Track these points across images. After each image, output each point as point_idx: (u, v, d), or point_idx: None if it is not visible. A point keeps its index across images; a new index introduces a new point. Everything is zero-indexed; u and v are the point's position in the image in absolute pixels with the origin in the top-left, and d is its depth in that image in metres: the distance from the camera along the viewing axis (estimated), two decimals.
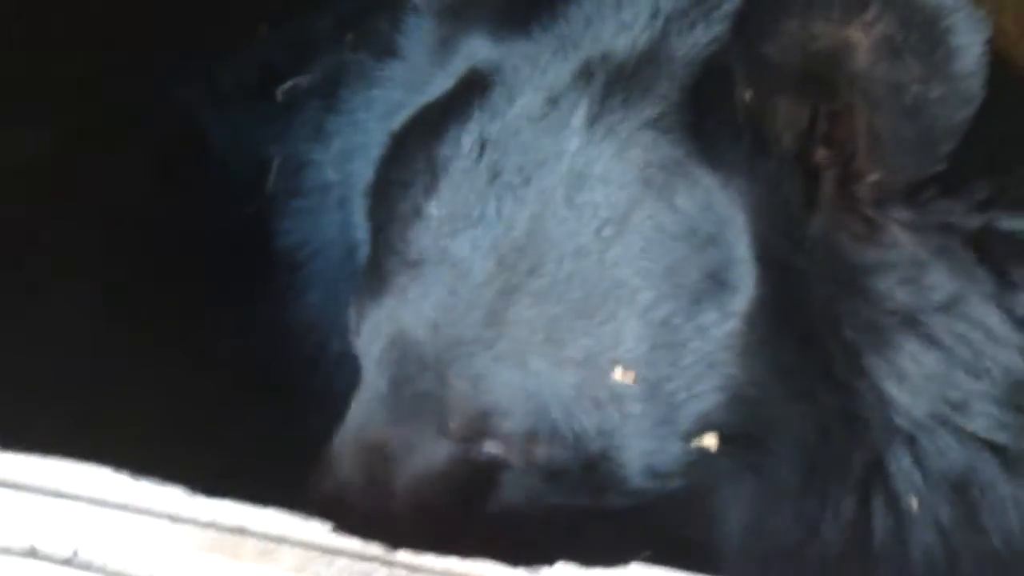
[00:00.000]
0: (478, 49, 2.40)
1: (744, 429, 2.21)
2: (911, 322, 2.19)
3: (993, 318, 2.21)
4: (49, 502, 2.05)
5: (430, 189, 2.30)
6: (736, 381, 2.19)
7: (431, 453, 2.29)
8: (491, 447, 2.28)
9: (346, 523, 2.04)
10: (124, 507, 2.05)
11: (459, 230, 2.25)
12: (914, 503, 2.27)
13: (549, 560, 1.97)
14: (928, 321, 2.20)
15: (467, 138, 2.30)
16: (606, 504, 2.31)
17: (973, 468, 2.26)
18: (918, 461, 2.24)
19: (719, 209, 2.17)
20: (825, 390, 2.20)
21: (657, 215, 2.18)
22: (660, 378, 2.18)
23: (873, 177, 2.14)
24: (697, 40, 2.27)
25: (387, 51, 2.71)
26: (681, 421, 2.21)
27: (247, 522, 2.03)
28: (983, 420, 2.23)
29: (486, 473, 2.31)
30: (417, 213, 2.30)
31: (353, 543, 2.02)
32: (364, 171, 2.60)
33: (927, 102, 2.03)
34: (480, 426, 2.26)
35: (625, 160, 2.21)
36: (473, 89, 2.35)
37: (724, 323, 2.17)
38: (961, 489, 2.27)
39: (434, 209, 2.29)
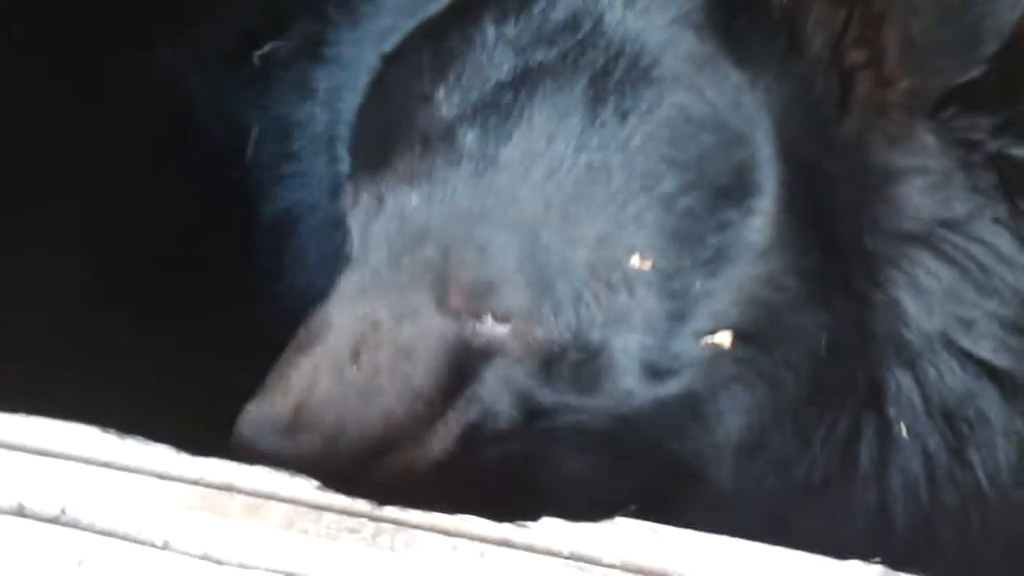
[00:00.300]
0: None
1: (758, 330, 2.23)
2: (930, 236, 2.23)
3: (1005, 240, 2.25)
4: (36, 460, 2.06)
5: (437, 78, 2.30)
6: (754, 281, 2.21)
7: (425, 327, 2.27)
8: (489, 327, 2.27)
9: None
10: (111, 465, 2.06)
11: (470, 115, 2.25)
12: (904, 430, 2.31)
13: (534, 515, 1.98)
14: (945, 237, 2.24)
15: (480, 34, 2.31)
16: (592, 408, 2.31)
17: (971, 396, 2.30)
18: (918, 384, 2.28)
19: (748, 106, 2.19)
20: (842, 298, 2.23)
21: (686, 106, 2.19)
22: (677, 269, 2.19)
23: (904, 84, 2.18)
24: None
25: None
26: (695, 317, 2.22)
27: (234, 479, 2.04)
28: (988, 342, 2.28)
29: (475, 360, 2.29)
30: (424, 98, 2.31)
31: (340, 499, 2.03)
32: (351, 103, 2.62)
33: (975, 1, 2.06)
34: (481, 300, 2.25)
35: (654, 52, 2.22)
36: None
37: (746, 221, 2.19)
38: (954, 419, 2.31)
39: (442, 94, 2.29)
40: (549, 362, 2.26)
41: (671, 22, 2.24)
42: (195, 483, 2.04)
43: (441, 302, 2.25)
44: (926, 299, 2.25)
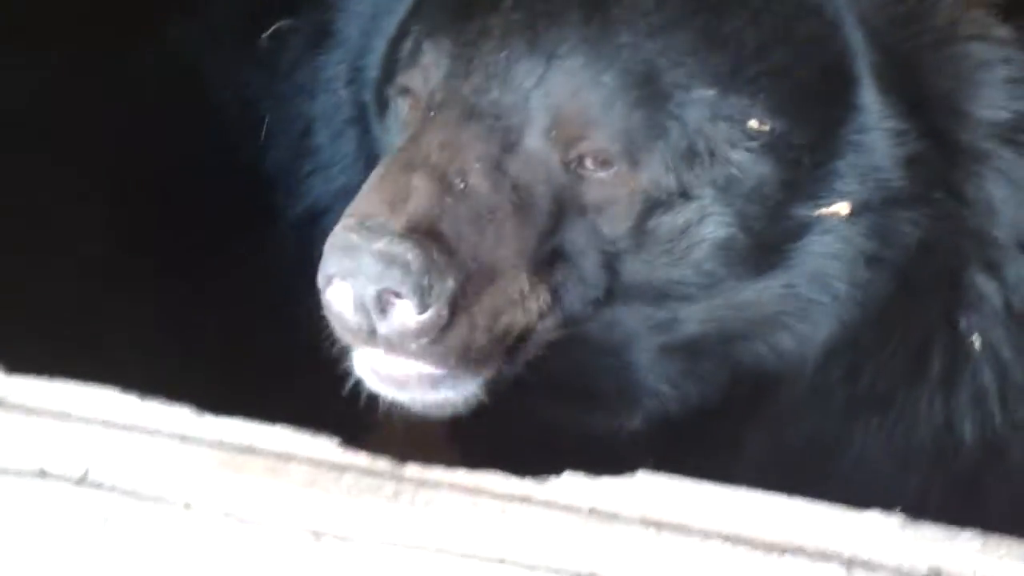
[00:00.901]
0: None
1: (871, 205, 2.34)
2: (1018, 129, 2.34)
3: None
4: (58, 424, 2.08)
5: None
6: (864, 160, 2.32)
7: (530, 157, 2.28)
8: (591, 169, 2.30)
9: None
10: (133, 427, 2.08)
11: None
12: (977, 342, 2.39)
13: (556, 470, 1.99)
14: None
15: None
16: (678, 291, 2.37)
17: None
18: (1000, 287, 2.38)
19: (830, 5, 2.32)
20: (940, 191, 2.34)
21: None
22: (792, 139, 2.30)
23: None
24: None
25: None
26: (810, 184, 2.32)
27: (255, 440, 2.06)
28: None
29: (575, 204, 2.30)
30: None
31: (361, 459, 2.04)
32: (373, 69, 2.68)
33: None
34: (589, 135, 2.28)
35: None
36: None
37: (852, 104, 2.32)
38: None
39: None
40: (647, 216, 2.30)
41: None
42: (216, 444, 2.06)
43: (547, 133, 2.28)
44: (1015, 197, 2.34)
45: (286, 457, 2.04)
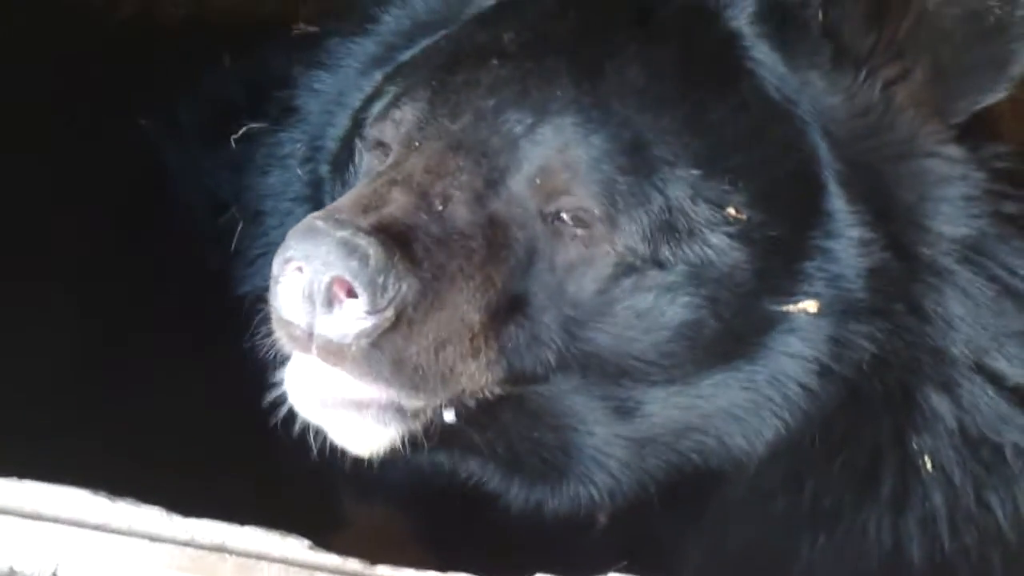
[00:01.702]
0: None
1: (832, 312, 2.37)
2: (979, 247, 2.40)
3: None
4: (28, 524, 2.08)
5: (507, 27, 2.46)
6: (831, 266, 2.38)
7: (511, 196, 2.31)
8: (569, 225, 2.32)
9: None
10: (103, 527, 2.08)
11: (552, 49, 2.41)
12: (928, 463, 2.41)
13: (528, 571, 2.00)
14: (985, 251, 2.40)
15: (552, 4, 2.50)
16: (632, 365, 2.38)
17: (1001, 422, 2.41)
18: (953, 406, 2.40)
19: (803, 107, 2.42)
20: (902, 301, 2.38)
21: (764, 92, 2.43)
22: (766, 231, 2.35)
23: (932, 103, 2.39)
24: None
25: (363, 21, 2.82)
26: (781, 280, 2.37)
27: (226, 540, 2.07)
28: (1020, 365, 2.41)
29: (544, 252, 2.32)
30: (494, 41, 2.45)
31: (332, 559, 2.06)
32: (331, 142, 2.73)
33: (1009, 22, 2.28)
34: (571, 190, 2.31)
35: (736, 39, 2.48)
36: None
37: (819, 208, 2.38)
38: (982, 448, 2.42)
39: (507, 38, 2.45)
40: (616, 282, 2.32)
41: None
42: (186, 544, 2.07)
43: (531, 181, 2.31)
44: (973, 316, 2.39)
45: (257, 557, 2.05)
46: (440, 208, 2.25)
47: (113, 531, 2.08)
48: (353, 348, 2.17)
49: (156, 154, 3.20)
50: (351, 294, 2.14)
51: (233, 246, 2.93)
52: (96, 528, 2.08)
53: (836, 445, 2.43)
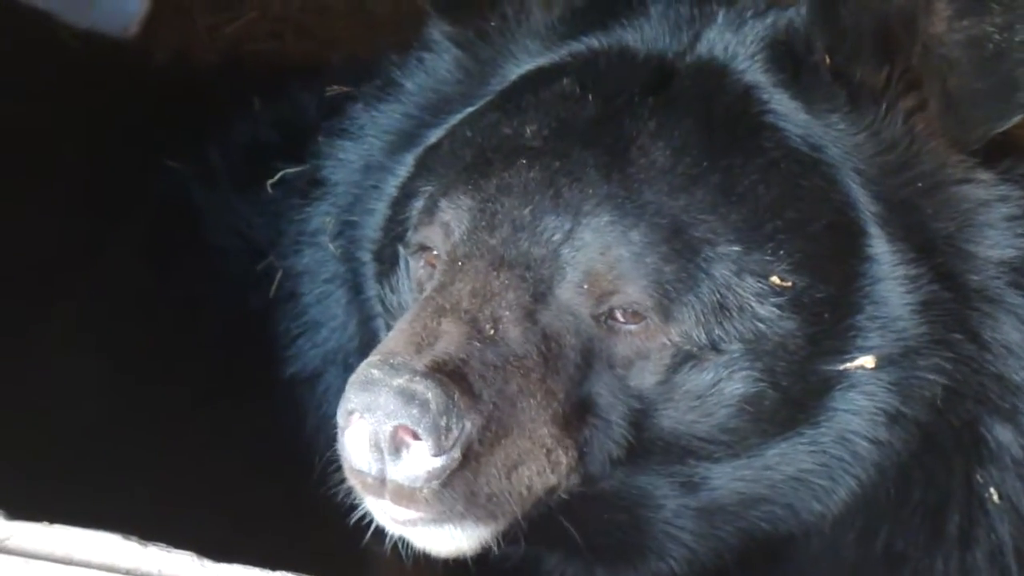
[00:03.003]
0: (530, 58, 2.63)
1: (892, 359, 2.37)
2: (1019, 273, 2.40)
3: None
4: (59, 568, 2.09)
5: (527, 122, 2.47)
6: (882, 311, 2.37)
7: (560, 308, 2.31)
8: (620, 323, 2.32)
9: None
10: (133, 572, 2.09)
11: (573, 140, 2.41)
12: (995, 495, 2.42)
13: None
14: None
15: (570, 84, 2.50)
16: (699, 446, 2.39)
17: None
18: (1017, 435, 2.40)
19: (830, 152, 2.42)
20: (958, 331, 2.38)
21: (791, 148, 2.42)
22: (813, 294, 2.34)
23: (948, 134, 2.39)
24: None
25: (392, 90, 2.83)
26: (833, 339, 2.36)
27: None
28: None
29: (601, 356, 2.33)
30: (519, 136, 2.45)
31: None
32: (372, 228, 2.72)
33: (1009, 47, 2.27)
34: (620, 290, 2.31)
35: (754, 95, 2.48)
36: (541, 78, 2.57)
37: (863, 254, 2.38)
38: None
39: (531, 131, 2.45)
40: (676, 370, 2.33)
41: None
42: None
43: (578, 287, 2.31)
44: None
45: None
46: (492, 332, 2.27)
47: None
48: (425, 491, 2.21)
49: (188, 198, 3.22)
50: (416, 437, 2.17)
51: (272, 292, 2.95)
52: (126, 573, 2.09)
53: (907, 492, 2.44)
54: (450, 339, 2.23)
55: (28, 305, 2.93)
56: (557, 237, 2.33)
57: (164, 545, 2.11)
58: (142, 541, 2.11)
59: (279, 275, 2.95)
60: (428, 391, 2.14)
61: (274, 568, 2.09)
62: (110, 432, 2.80)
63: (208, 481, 2.73)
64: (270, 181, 3.03)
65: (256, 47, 4.72)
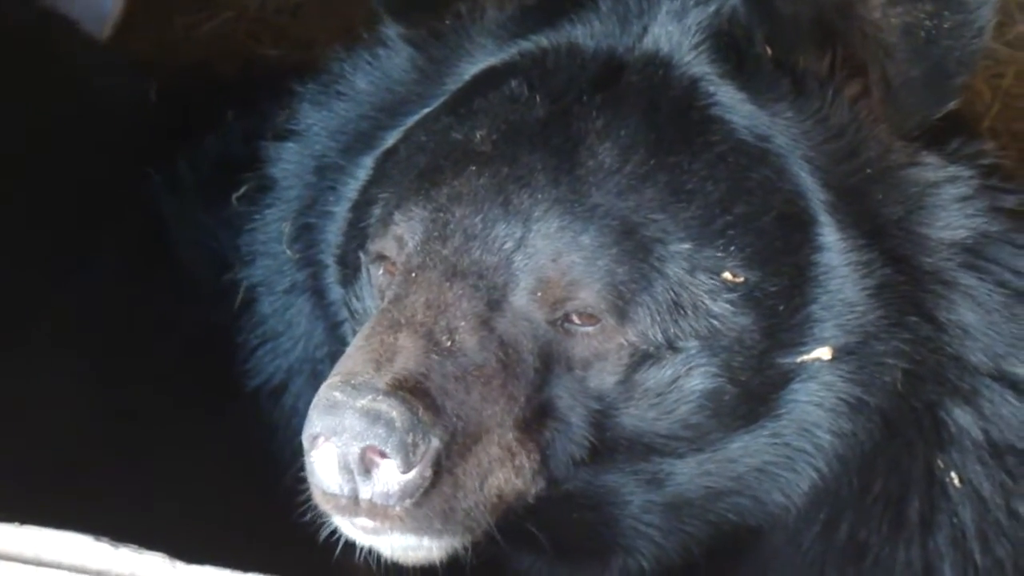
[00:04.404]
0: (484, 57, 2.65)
1: (850, 347, 2.40)
2: (978, 250, 2.44)
3: None
4: (29, 570, 2.11)
5: (476, 126, 2.49)
6: (836, 298, 2.40)
7: (516, 315, 2.33)
8: (577, 326, 2.35)
9: None
10: (104, 574, 2.11)
11: (525, 141, 2.43)
12: (956, 479, 2.46)
13: None
14: (988, 255, 2.44)
15: (518, 85, 2.52)
16: (662, 443, 2.41)
17: None
18: (977, 418, 2.44)
19: (777, 141, 2.44)
20: (914, 313, 2.41)
21: (738, 140, 2.44)
22: (767, 287, 2.38)
23: (889, 119, 2.42)
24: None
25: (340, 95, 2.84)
26: (789, 332, 2.39)
27: None
28: None
29: (560, 359, 2.35)
30: (469, 142, 2.47)
31: None
32: (334, 232, 2.73)
33: (939, 34, 2.31)
34: (575, 294, 2.34)
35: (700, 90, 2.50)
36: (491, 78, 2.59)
37: (815, 243, 2.41)
38: (1008, 457, 2.46)
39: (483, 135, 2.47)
40: (635, 369, 2.36)
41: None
42: None
43: (532, 294, 2.34)
44: (986, 322, 2.43)
45: None
46: (448, 344, 2.30)
47: None
48: (398, 509, 2.25)
49: (160, 211, 3.23)
50: (384, 455, 2.20)
51: (236, 305, 2.96)
52: (98, 574, 2.09)
53: (869, 481, 2.47)
54: (408, 354, 2.26)
55: (3, 314, 2.93)
56: (509, 245, 2.36)
57: (135, 547, 2.12)
58: (113, 542, 2.14)
59: (242, 288, 2.96)
60: (392, 410, 2.18)
61: (246, 570, 2.09)
62: (81, 439, 2.82)
63: (178, 491, 2.73)
64: (235, 195, 3.03)
65: (233, 48, 4.73)
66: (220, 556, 2.15)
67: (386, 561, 2.40)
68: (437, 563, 2.40)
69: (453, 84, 2.67)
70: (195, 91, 3.54)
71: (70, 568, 2.10)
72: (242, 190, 3.01)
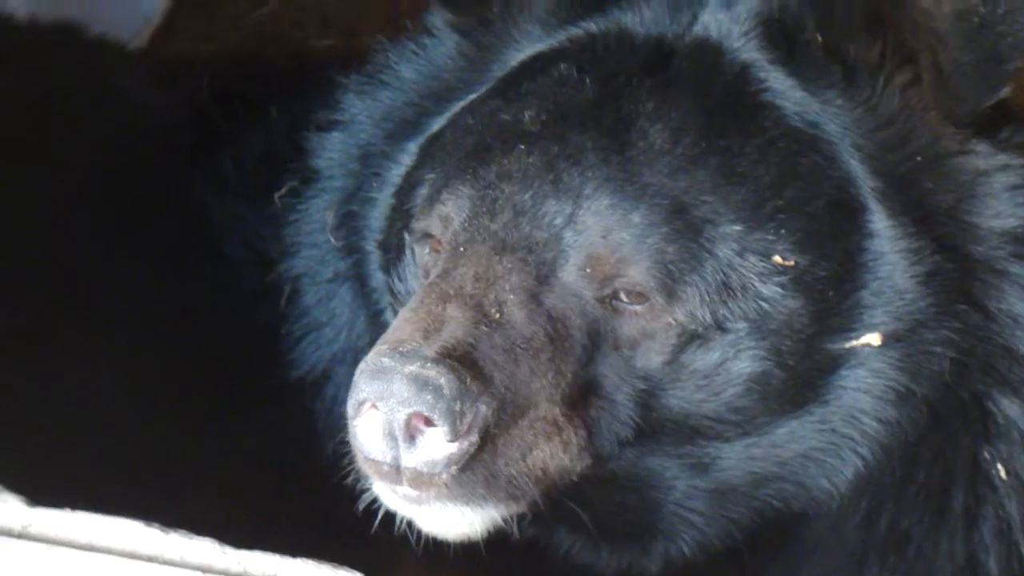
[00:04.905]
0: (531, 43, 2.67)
1: (899, 335, 2.40)
2: (1022, 242, 2.43)
3: None
4: (81, 555, 2.12)
5: (525, 107, 2.49)
6: (886, 285, 2.39)
7: (565, 290, 2.34)
8: (625, 304, 2.35)
9: None
10: (155, 559, 2.14)
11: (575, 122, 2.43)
12: (1002, 471, 2.45)
13: None
14: None
15: (567, 68, 2.53)
16: (708, 425, 2.41)
17: None
18: None
19: (827, 128, 2.45)
20: (963, 302, 2.40)
21: (789, 126, 2.44)
22: (817, 271, 2.38)
23: (941, 107, 2.42)
24: None
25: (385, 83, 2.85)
26: (839, 317, 2.39)
27: (278, 572, 2.11)
28: None
29: (607, 336, 2.35)
30: (518, 122, 2.48)
31: None
32: (378, 218, 2.74)
33: (993, 20, 2.29)
34: (625, 271, 2.34)
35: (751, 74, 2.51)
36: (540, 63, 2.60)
37: (865, 230, 2.41)
38: None
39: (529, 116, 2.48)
40: (682, 350, 2.37)
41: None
42: None
43: (581, 270, 2.35)
44: None
45: None
46: (497, 316, 2.30)
47: (166, 562, 2.14)
48: (444, 476, 2.25)
49: (204, 208, 3.26)
50: (430, 423, 2.20)
51: (282, 303, 2.98)
52: (148, 559, 2.14)
53: (912, 471, 2.47)
54: (457, 324, 2.26)
55: (48, 306, 2.98)
56: (559, 221, 2.37)
57: (185, 532, 2.14)
58: (164, 528, 2.16)
59: (287, 285, 2.97)
60: (441, 376, 2.18)
61: (295, 555, 2.11)
62: (128, 431, 2.85)
63: (220, 482, 2.76)
64: (278, 194, 3.04)
65: (278, 37, 4.75)
66: (263, 545, 2.16)
67: (428, 540, 2.41)
68: (479, 540, 2.39)
69: (499, 70, 2.69)
70: (240, 85, 3.56)
71: (121, 553, 2.13)
72: (284, 189, 3.02)
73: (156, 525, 2.15)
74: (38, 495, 2.20)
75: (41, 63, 3.44)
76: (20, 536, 2.15)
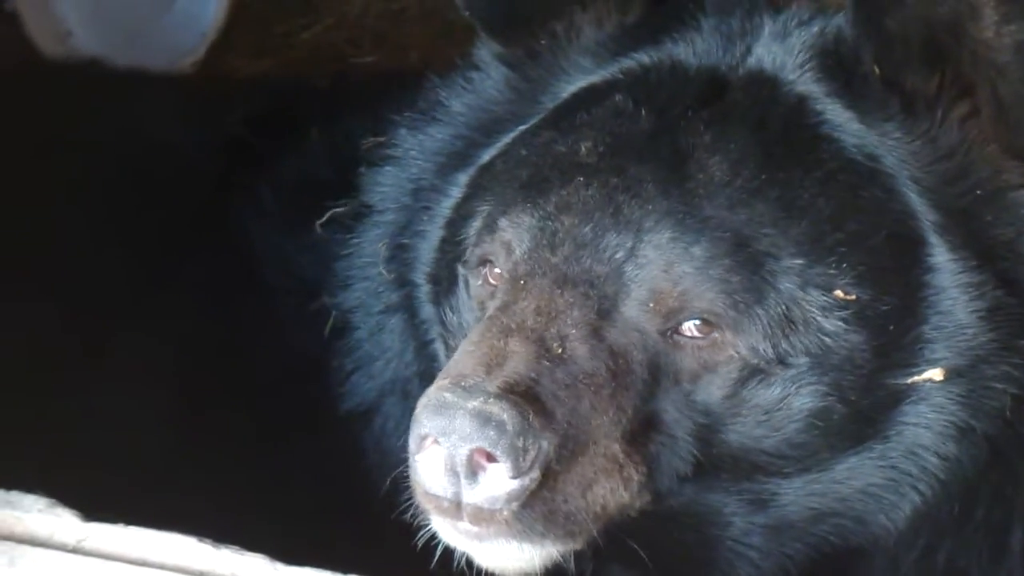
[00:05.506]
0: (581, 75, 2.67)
1: (960, 370, 2.38)
2: None
3: None
4: (134, 570, 2.15)
5: (581, 139, 2.49)
6: (947, 320, 2.38)
7: (626, 325, 2.33)
8: (688, 335, 2.34)
9: None
10: (207, 575, 2.15)
11: (634, 153, 2.43)
12: None
13: None
14: None
15: (623, 99, 2.52)
16: (767, 461, 2.39)
17: None
18: None
19: (886, 161, 2.44)
20: None
21: (849, 158, 2.44)
22: (878, 306, 2.36)
23: (1001, 140, 2.41)
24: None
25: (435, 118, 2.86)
26: (900, 352, 2.37)
27: None
28: None
29: (669, 371, 2.34)
30: (574, 154, 2.47)
31: None
32: (428, 251, 2.75)
33: None
34: (688, 303, 2.33)
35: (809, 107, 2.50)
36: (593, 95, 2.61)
37: (925, 264, 2.40)
38: None
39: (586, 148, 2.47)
40: (743, 384, 2.36)
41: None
42: None
43: (643, 304, 2.35)
44: None
45: None
46: (559, 351, 2.30)
47: None
48: (505, 512, 2.24)
49: (246, 236, 3.27)
50: (492, 459, 2.20)
51: (327, 332, 2.98)
52: (201, 575, 2.13)
53: (971, 509, 2.45)
54: (519, 359, 2.26)
55: (99, 332, 3.02)
56: (620, 255, 2.37)
57: (237, 548, 2.16)
58: (216, 544, 2.18)
59: (332, 315, 2.98)
60: (504, 412, 2.18)
61: (346, 571, 2.12)
62: (184, 438, 2.86)
63: (272, 513, 2.75)
64: (319, 221, 3.05)
65: (332, 55, 4.78)
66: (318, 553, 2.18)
67: (484, 573, 2.41)
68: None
69: (550, 102, 2.70)
70: (279, 107, 3.57)
71: (174, 568, 2.16)
72: (325, 217, 3.02)
73: (208, 541, 2.18)
74: (92, 511, 2.22)
75: (70, 100, 3.49)
76: (74, 551, 2.18)
